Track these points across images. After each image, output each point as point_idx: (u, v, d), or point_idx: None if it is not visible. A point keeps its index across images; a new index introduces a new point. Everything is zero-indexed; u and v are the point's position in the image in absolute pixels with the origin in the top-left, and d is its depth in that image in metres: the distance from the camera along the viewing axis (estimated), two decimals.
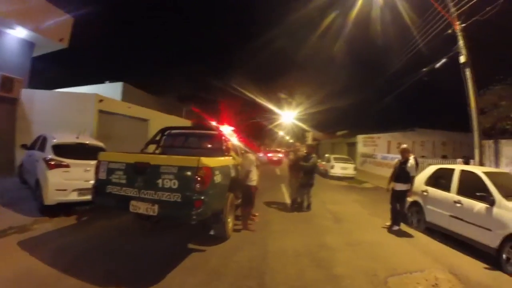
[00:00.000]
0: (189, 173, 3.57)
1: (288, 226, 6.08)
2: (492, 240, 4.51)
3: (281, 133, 52.92)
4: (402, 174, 5.99)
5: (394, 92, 16.74)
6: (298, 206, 7.57)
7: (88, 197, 5.41)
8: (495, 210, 4.58)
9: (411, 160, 6.01)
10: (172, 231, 5.11)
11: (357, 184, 14.81)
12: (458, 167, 5.99)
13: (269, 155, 28.35)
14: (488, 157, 8.99)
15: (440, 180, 6.09)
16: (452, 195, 5.48)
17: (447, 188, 5.67)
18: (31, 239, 4.32)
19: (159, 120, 14.62)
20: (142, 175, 3.74)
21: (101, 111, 10.82)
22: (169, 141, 5.98)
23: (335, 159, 16.63)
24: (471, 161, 8.40)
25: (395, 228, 5.99)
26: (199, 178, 3.54)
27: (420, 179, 6.38)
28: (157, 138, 5.90)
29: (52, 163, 5.39)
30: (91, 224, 5.31)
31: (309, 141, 38.54)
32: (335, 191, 11.83)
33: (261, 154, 25.43)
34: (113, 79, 18.88)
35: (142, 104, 14.79)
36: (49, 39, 10.50)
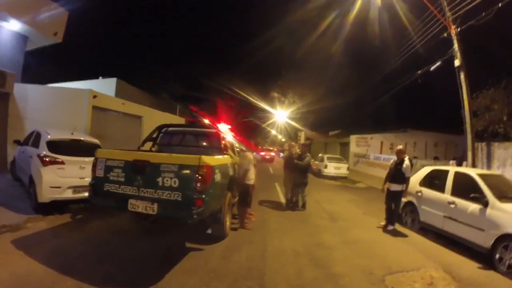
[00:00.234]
0: (190, 171, 3.53)
1: (285, 225, 6.10)
2: (485, 240, 4.62)
3: (273, 132, 53.10)
4: (397, 174, 6.07)
5: (388, 94, 16.95)
6: (293, 205, 7.61)
7: (83, 194, 5.33)
8: (488, 211, 4.69)
9: (406, 161, 6.10)
10: (169, 231, 5.06)
11: (350, 184, 14.96)
12: (452, 168, 6.10)
13: (262, 153, 29.12)
14: (480, 159, 9.18)
15: (434, 181, 6.21)
16: (446, 196, 5.59)
17: (441, 189, 5.78)
18: (25, 238, 4.19)
19: (153, 117, 14.51)
20: (141, 173, 3.68)
21: (95, 107, 10.67)
22: (166, 139, 5.92)
23: (328, 158, 16.78)
24: (464, 162, 8.56)
25: (390, 227, 6.07)
26: (200, 177, 3.51)
27: (415, 180, 6.47)
28: (154, 135, 5.83)
29: (47, 159, 5.28)
30: (86, 223, 5.20)
31: (302, 140, 38.74)
32: (329, 191, 11.92)
33: (257, 153, 25.74)
34: (106, 75, 18.64)
35: (136, 101, 14.62)
36: (43, 33, 10.32)
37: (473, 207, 4.96)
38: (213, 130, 5.73)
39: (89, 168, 4.62)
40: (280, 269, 3.84)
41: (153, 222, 5.18)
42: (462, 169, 6.17)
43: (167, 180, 3.55)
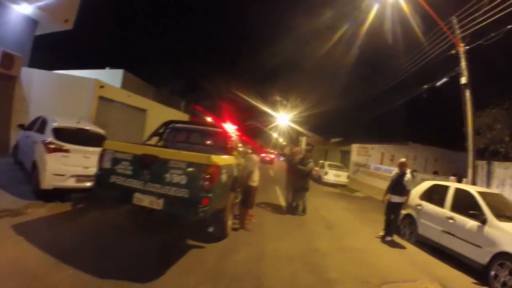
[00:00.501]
0: (198, 170, 3.55)
1: (283, 229, 6.14)
2: (481, 257, 4.67)
3: (275, 135, 53.12)
4: (399, 186, 6.12)
5: (391, 105, 17.03)
6: (293, 209, 7.63)
7: (86, 184, 5.35)
8: (486, 228, 4.75)
9: (408, 174, 6.16)
10: (169, 227, 5.01)
11: (349, 192, 15.00)
12: (453, 184, 6.16)
13: (262, 155, 29.25)
14: (480, 177, 9.24)
15: (434, 195, 6.27)
16: (445, 211, 5.65)
17: (441, 204, 5.84)
18: (25, 223, 4.15)
19: (158, 111, 14.48)
20: (149, 167, 3.69)
21: (100, 97, 10.66)
22: (172, 135, 5.94)
23: (329, 165, 16.86)
24: (464, 179, 8.62)
25: (388, 238, 6.12)
26: (208, 176, 3.53)
27: (415, 193, 6.53)
28: (161, 130, 5.84)
29: (52, 146, 5.25)
30: (87, 213, 5.16)
31: (303, 145, 38.79)
32: (328, 198, 11.96)
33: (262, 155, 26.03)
34: (113, 66, 18.66)
35: (141, 94, 14.61)
36: (53, 18, 10.26)
37: (472, 223, 5.02)
38: (221, 130, 5.75)
39: (93, 158, 4.63)
40: (275, 274, 3.85)
41: (147, 218, 4.98)
42: (463, 186, 6.23)
43: (174, 177, 3.57)
